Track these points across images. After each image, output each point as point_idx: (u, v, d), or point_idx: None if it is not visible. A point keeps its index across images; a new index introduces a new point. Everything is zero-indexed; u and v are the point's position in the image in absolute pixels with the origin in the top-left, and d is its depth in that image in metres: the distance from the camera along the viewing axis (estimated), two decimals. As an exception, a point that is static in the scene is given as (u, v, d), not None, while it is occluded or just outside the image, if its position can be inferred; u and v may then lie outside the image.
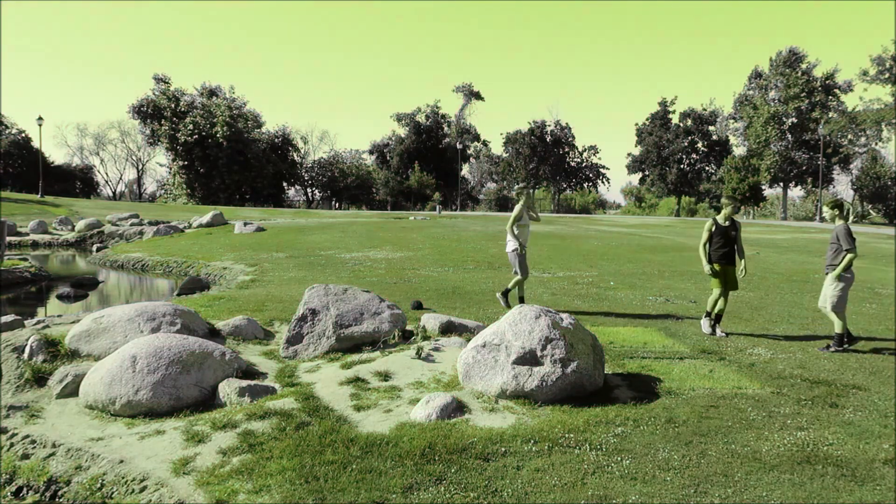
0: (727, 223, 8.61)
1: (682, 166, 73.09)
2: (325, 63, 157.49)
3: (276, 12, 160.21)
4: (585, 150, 76.89)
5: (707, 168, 73.92)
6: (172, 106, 64.95)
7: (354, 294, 8.17)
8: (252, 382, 6.48)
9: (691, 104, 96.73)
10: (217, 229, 27.49)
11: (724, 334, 8.46)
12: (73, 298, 14.01)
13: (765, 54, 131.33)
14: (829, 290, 7.87)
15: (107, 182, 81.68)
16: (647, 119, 75.68)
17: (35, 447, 5.56)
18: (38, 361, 7.22)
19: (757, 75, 67.80)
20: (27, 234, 27.51)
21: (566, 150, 76.04)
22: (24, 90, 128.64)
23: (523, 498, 4.18)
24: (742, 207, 60.85)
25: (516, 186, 9.66)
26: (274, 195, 68.29)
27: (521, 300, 10.12)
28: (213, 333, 8.17)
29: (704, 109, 73.00)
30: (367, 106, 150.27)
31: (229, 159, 61.29)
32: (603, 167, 76.92)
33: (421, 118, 76.41)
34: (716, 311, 8.61)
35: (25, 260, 19.13)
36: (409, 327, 8.25)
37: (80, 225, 28.76)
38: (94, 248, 24.38)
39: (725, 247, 8.54)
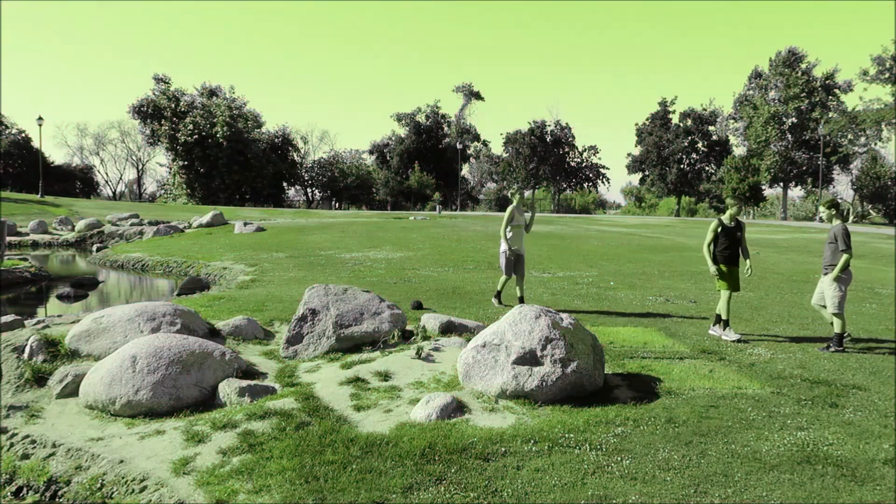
0: (732, 224, 8.55)
1: (682, 166, 73.09)
2: (325, 63, 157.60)
3: (276, 12, 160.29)
4: (585, 150, 76.90)
5: (707, 168, 73.93)
6: (172, 106, 64.95)
7: (354, 294, 8.17)
8: (252, 382, 6.48)
9: (691, 104, 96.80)
10: (217, 229, 27.49)
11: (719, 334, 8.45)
12: (73, 298, 14.01)
13: (765, 54, 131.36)
14: (828, 291, 7.88)
15: (107, 182, 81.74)
16: (647, 119, 75.69)
17: (35, 447, 5.56)
18: (38, 361, 7.22)
19: (757, 75, 67.81)
20: (27, 234, 27.51)
21: (566, 150, 76.03)
22: (24, 90, 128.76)
23: (523, 498, 4.18)
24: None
25: (511, 188, 9.80)
26: (274, 195, 68.29)
27: (521, 300, 10.15)
28: (213, 333, 8.17)
29: (704, 109, 73.01)
30: (367, 106, 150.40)
31: (229, 159, 61.29)
32: (603, 167, 76.94)
33: (421, 118, 76.42)
34: (720, 310, 8.57)
35: (25, 260, 19.13)
36: (409, 327, 8.25)
37: (80, 225, 28.76)
38: (94, 248, 24.38)
39: (731, 248, 8.47)
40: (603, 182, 77.62)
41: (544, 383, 5.89)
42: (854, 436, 5.12)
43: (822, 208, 8.29)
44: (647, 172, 75.60)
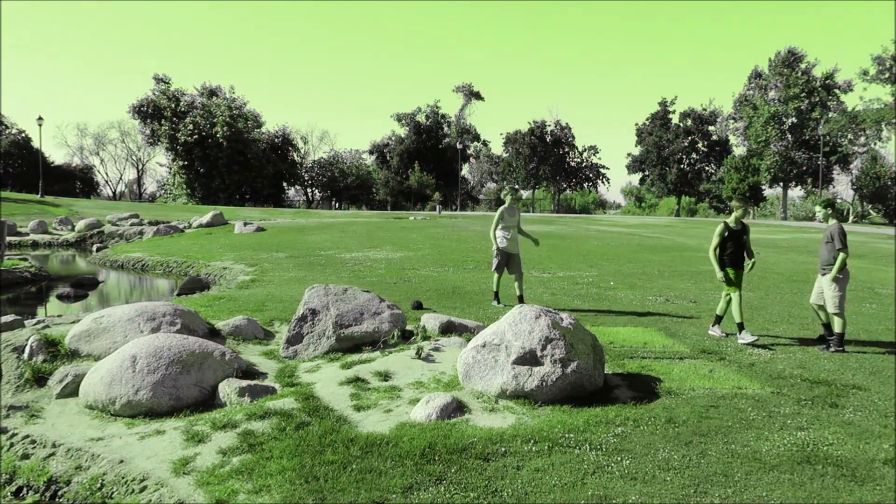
0: (738, 227, 8.37)
1: (682, 166, 73.12)
2: (325, 63, 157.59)
3: (276, 12, 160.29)
4: (585, 150, 76.91)
5: (707, 168, 73.95)
6: (172, 106, 64.97)
7: (354, 294, 8.17)
8: (252, 382, 6.48)
9: (691, 104, 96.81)
10: (217, 229, 27.49)
11: (723, 335, 8.46)
12: (73, 298, 14.01)
13: (765, 54, 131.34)
14: (828, 292, 7.89)
15: (107, 182, 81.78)
16: (647, 119, 75.74)
17: (35, 447, 5.56)
18: (38, 361, 7.22)
19: (756, 75, 67.82)
20: (27, 234, 27.52)
21: (566, 150, 76.05)
22: (24, 90, 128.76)
23: (523, 498, 4.18)
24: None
25: (504, 189, 9.89)
26: (274, 195, 68.31)
27: (521, 300, 10.17)
28: (213, 333, 8.17)
29: (704, 109, 73.04)
30: (367, 106, 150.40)
31: (229, 159, 61.30)
32: (603, 167, 76.97)
33: (421, 118, 76.44)
34: (720, 311, 8.54)
35: (25, 260, 19.13)
36: (409, 327, 8.25)
37: (80, 225, 28.76)
38: (94, 248, 24.38)
39: (737, 251, 8.33)
40: (603, 182, 77.68)
41: (544, 383, 5.89)
42: (854, 436, 5.12)
43: (817, 208, 8.32)
44: (647, 172, 75.61)
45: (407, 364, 6.95)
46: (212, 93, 68.99)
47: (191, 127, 61.04)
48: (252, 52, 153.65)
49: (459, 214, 47.68)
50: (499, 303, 10.36)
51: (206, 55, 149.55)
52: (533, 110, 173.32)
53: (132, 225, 28.89)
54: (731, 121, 72.24)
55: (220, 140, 60.68)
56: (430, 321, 8.20)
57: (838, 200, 72.92)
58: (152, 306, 8.09)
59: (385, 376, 6.61)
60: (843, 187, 72.66)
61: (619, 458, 4.69)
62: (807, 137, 64.08)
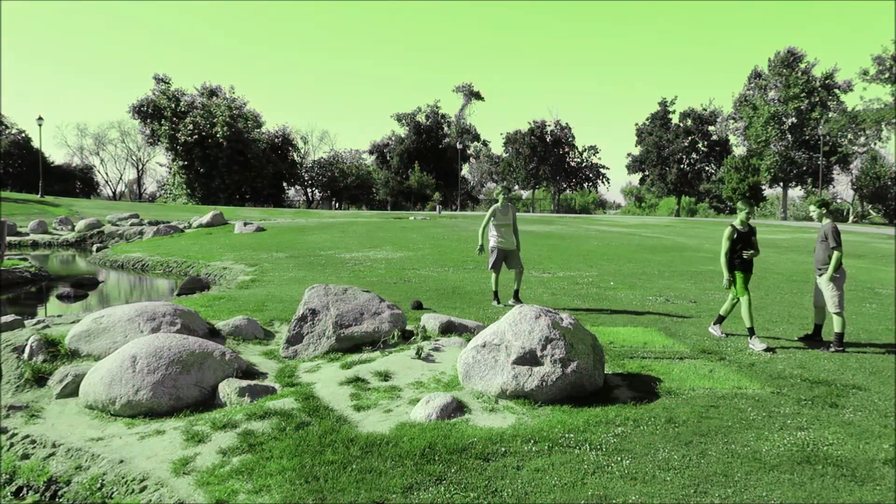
0: (746, 229, 8.21)
1: (682, 166, 73.11)
2: (325, 63, 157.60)
3: (276, 12, 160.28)
4: (585, 150, 76.91)
5: (707, 168, 73.94)
6: (172, 106, 64.96)
7: (354, 294, 8.17)
8: (252, 382, 6.48)
9: (691, 104, 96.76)
10: (217, 229, 27.49)
11: (723, 335, 8.45)
12: (73, 298, 14.01)
13: (765, 54, 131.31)
14: (826, 292, 7.90)
15: (107, 182, 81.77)
16: (647, 119, 75.73)
17: (35, 447, 5.56)
18: (38, 361, 7.22)
19: (756, 75, 67.81)
20: (27, 234, 27.52)
21: (566, 150, 76.04)
22: (24, 90, 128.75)
23: (523, 498, 4.18)
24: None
25: (496, 188, 10.03)
26: (274, 195, 68.30)
27: (516, 294, 10.36)
28: (213, 333, 8.17)
29: (704, 109, 73.02)
30: (367, 106, 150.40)
31: (229, 159, 61.29)
32: (603, 167, 76.96)
33: (421, 118, 76.44)
34: (723, 311, 8.47)
35: (25, 260, 19.12)
36: (409, 327, 8.25)
37: (80, 225, 28.76)
38: (94, 248, 24.38)
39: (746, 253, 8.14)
40: (603, 182, 77.66)
41: (544, 383, 5.89)
42: (854, 436, 5.12)
43: (812, 207, 8.37)
44: (647, 172, 75.60)
45: (407, 364, 6.95)
46: (212, 93, 68.98)
47: (191, 127, 61.03)
48: (252, 53, 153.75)
49: (459, 214, 47.68)
50: (499, 303, 10.39)
51: (206, 55, 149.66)
52: (533, 110, 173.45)
53: (132, 225, 28.89)
54: (731, 121, 72.24)
55: (220, 140, 60.67)
56: (430, 321, 8.20)
57: (838, 200, 73.00)
58: (152, 306, 8.08)
59: (385, 376, 6.61)
60: (843, 187, 72.71)
61: (619, 458, 4.69)
62: (807, 137, 64.08)
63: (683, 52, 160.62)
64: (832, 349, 7.79)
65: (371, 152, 78.39)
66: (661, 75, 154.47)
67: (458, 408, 5.68)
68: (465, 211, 67.05)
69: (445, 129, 77.19)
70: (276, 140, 68.80)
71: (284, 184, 71.39)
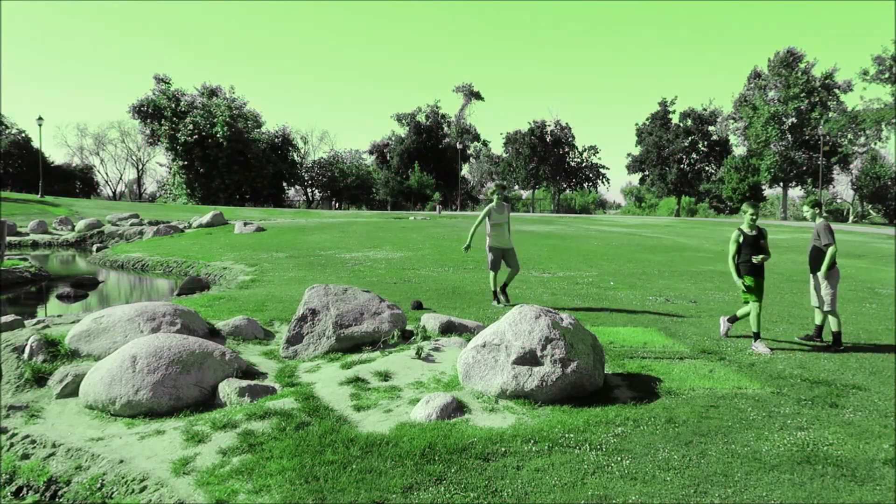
0: (754, 232, 7.97)
1: (682, 166, 73.10)
2: (325, 63, 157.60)
3: (276, 12, 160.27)
4: (585, 150, 76.91)
5: (707, 168, 73.94)
6: (173, 106, 64.98)
7: (354, 294, 8.17)
8: (252, 382, 6.48)
9: (691, 104, 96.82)
10: (217, 229, 27.49)
11: (725, 334, 8.43)
12: (73, 298, 14.01)
13: (764, 54, 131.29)
14: (822, 291, 7.93)
15: (107, 182, 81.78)
16: (647, 119, 75.70)
17: (35, 447, 5.56)
18: (38, 361, 7.22)
19: (756, 76, 67.80)
20: (27, 234, 27.52)
21: (566, 150, 76.05)
22: (24, 90, 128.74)
23: (523, 498, 4.18)
24: (741, 208, 60.76)
25: (489, 188, 10.32)
26: (274, 195, 68.31)
27: (504, 287, 10.54)
28: (213, 333, 8.17)
29: (704, 109, 73.02)
30: (367, 106, 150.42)
31: (229, 159, 61.30)
32: (603, 167, 76.96)
33: (421, 118, 76.45)
34: (740, 313, 8.31)
35: (25, 260, 19.13)
36: (409, 327, 8.25)
37: (80, 225, 28.77)
38: (94, 248, 24.38)
39: (755, 257, 7.87)
40: (603, 182, 77.67)
41: (544, 383, 5.89)
42: (854, 436, 5.12)
43: (805, 207, 8.44)
44: (647, 172, 75.60)
45: (407, 364, 6.95)
46: (212, 93, 69.00)
47: (191, 127, 61.04)
48: (252, 52, 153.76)
49: (459, 214, 47.67)
50: (498, 302, 10.40)
51: (206, 55, 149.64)
52: (533, 110, 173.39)
53: (132, 225, 28.89)
54: (731, 121, 72.23)
55: (220, 140, 60.68)
56: (430, 321, 8.20)
57: (838, 200, 73.02)
58: (152, 306, 8.08)
59: (385, 376, 6.61)
60: (843, 187, 72.74)
61: (619, 458, 4.69)
62: (807, 137, 64.07)
63: (683, 52, 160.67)
64: (833, 349, 7.80)
65: (371, 152, 78.40)
66: (661, 75, 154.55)
67: (458, 408, 5.68)
68: (465, 211, 67.03)
69: (445, 129, 77.20)
70: (276, 140, 68.81)
71: (284, 184, 71.41)
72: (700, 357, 7.38)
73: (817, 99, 63.35)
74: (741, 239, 7.96)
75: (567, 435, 5.08)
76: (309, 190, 76.62)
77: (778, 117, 63.91)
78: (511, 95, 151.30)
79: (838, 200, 74.82)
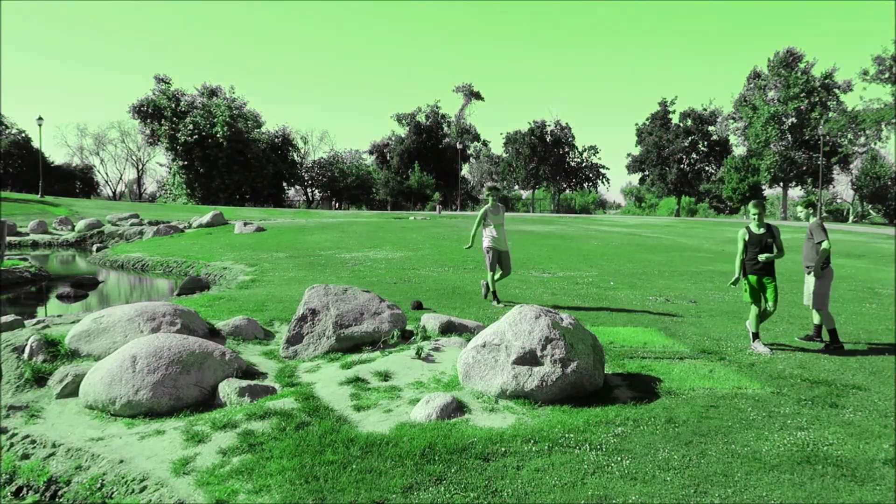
0: (763, 230, 7.74)
1: (682, 166, 73.11)
2: (325, 63, 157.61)
3: (276, 12, 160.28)
4: (585, 150, 76.92)
5: (707, 168, 73.94)
6: (173, 106, 64.98)
7: (354, 294, 8.17)
8: (252, 382, 6.48)
9: (691, 104, 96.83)
10: (217, 229, 27.49)
11: (769, 351, 7.74)
12: (73, 298, 14.01)
13: (764, 54, 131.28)
14: (811, 287, 8.01)
15: (107, 182, 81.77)
16: (647, 119, 75.71)
17: (35, 447, 5.56)
18: (38, 361, 7.22)
19: (755, 76, 67.81)
20: (27, 234, 27.52)
21: (566, 150, 76.05)
22: (24, 90, 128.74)
23: (523, 498, 4.18)
24: (741, 208, 60.84)
25: (484, 190, 10.33)
26: (274, 195, 68.31)
27: (493, 286, 10.58)
28: (213, 333, 8.17)
29: (704, 109, 73.02)
30: (367, 106, 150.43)
31: (229, 159, 61.30)
32: (603, 167, 76.97)
33: (421, 118, 76.45)
34: (762, 317, 8.06)
35: (25, 260, 19.13)
36: (409, 327, 8.25)
37: (80, 225, 28.77)
38: (94, 248, 24.38)
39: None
40: (603, 182, 77.68)
41: (544, 383, 5.89)
42: (854, 436, 5.12)
43: (799, 208, 8.54)
44: (647, 172, 75.61)
45: (407, 364, 6.95)
46: (212, 93, 69.01)
47: (191, 127, 61.05)
48: (252, 52, 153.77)
49: (460, 214, 47.67)
50: (498, 302, 10.40)
51: (206, 55, 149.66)
52: (533, 110, 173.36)
53: (132, 225, 28.89)
54: (731, 121, 72.24)
55: (220, 140, 60.69)
56: (430, 321, 8.20)
57: (838, 200, 73.01)
58: (152, 306, 8.09)
59: (385, 376, 6.61)
60: (843, 187, 72.71)
61: (619, 458, 4.69)
62: (807, 137, 64.07)
63: (683, 52, 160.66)
64: (830, 347, 7.79)
65: (371, 152, 78.40)
66: (661, 75, 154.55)
67: (458, 408, 5.68)
68: (465, 211, 67.01)
69: (445, 129, 77.21)
70: (276, 140, 68.81)
71: (284, 184, 71.40)
72: (700, 357, 7.39)
73: (817, 99, 63.35)
74: (747, 237, 7.81)
75: (567, 435, 5.08)
76: (309, 190, 76.63)
77: (778, 117, 63.91)
78: (511, 95, 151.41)
79: (838, 200, 74.80)
